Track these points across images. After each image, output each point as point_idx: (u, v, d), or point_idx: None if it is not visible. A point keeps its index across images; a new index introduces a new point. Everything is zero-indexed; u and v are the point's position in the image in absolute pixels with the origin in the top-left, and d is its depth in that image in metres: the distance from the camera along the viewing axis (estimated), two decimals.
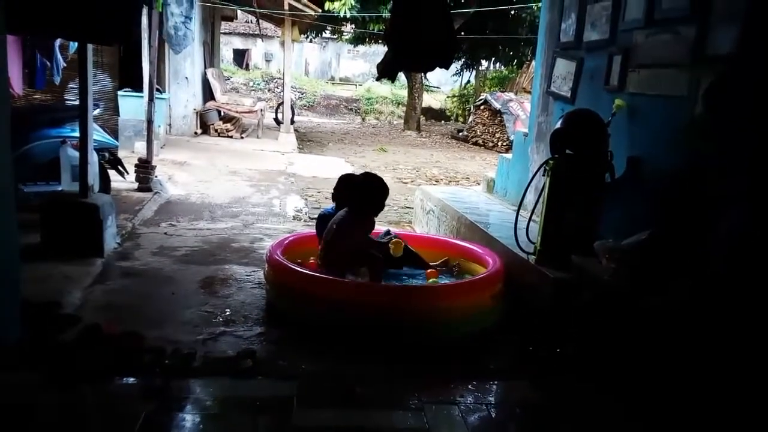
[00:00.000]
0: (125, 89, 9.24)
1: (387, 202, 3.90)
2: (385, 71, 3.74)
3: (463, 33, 16.09)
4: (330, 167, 9.91)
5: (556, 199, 3.39)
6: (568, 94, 4.42)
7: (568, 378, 2.94)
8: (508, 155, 5.84)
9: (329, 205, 4.13)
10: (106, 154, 5.54)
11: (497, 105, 14.27)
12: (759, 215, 2.63)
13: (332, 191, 4.04)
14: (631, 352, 2.66)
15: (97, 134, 5.19)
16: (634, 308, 2.65)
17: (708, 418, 2.38)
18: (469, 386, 2.84)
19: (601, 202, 3.37)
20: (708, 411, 2.39)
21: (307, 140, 13.97)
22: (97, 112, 5.60)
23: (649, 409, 2.57)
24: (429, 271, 3.86)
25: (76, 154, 4.49)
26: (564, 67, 4.55)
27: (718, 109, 2.94)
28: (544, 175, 3.49)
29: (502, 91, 16.32)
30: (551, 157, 3.45)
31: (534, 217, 3.75)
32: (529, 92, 8.88)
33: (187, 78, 11.64)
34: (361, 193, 3.70)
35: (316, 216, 6.15)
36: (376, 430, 2.44)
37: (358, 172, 4.20)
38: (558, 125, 3.48)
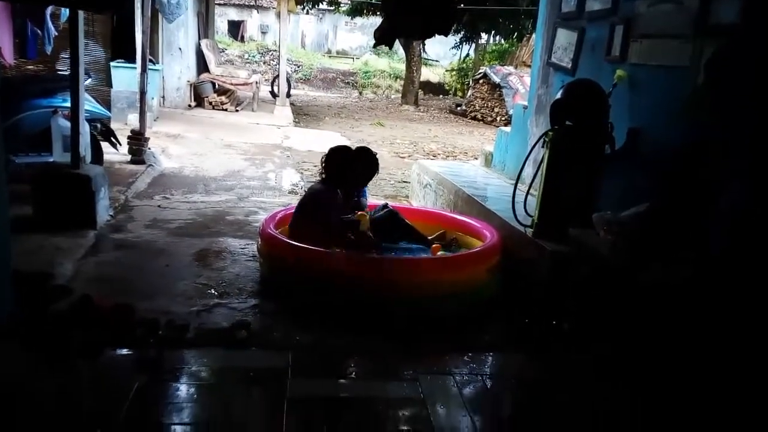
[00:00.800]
0: (118, 60, 9.07)
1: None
2: (383, 38, 3.65)
3: (462, 4, 15.82)
4: (326, 141, 9.77)
5: (554, 171, 3.34)
6: (569, 66, 4.34)
7: (564, 351, 2.94)
8: (507, 128, 5.78)
9: None
10: (98, 125, 5.46)
11: (496, 79, 14.09)
12: (760, 191, 2.59)
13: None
14: (629, 325, 2.65)
15: (89, 104, 5.10)
16: (632, 281, 2.62)
17: (706, 393, 2.37)
18: (465, 358, 2.83)
19: (600, 173, 3.33)
20: (707, 385, 2.38)
21: (303, 114, 13.83)
22: (88, 82, 5.49)
23: (647, 382, 2.56)
24: (434, 246, 3.81)
25: (68, 124, 4.41)
26: (565, 38, 4.46)
27: (719, 81, 2.88)
28: (543, 147, 3.44)
29: (502, 65, 16.11)
30: (551, 129, 3.40)
31: (532, 190, 3.71)
32: (529, 66, 8.76)
33: (180, 49, 11.44)
34: (328, 166, 3.67)
35: None
36: (371, 400, 2.43)
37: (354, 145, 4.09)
38: (558, 96, 3.42)
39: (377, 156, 3.81)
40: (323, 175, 3.74)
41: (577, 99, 3.34)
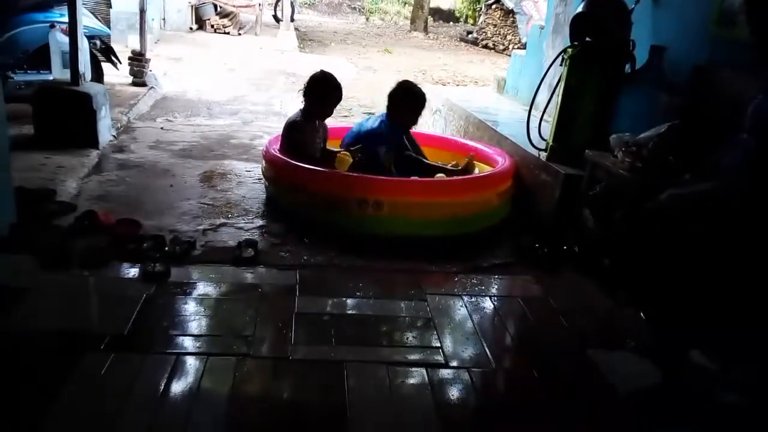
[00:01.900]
0: None
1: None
2: None
3: None
4: (332, 68, 9.49)
5: (572, 90, 3.20)
6: None
7: (574, 272, 2.91)
8: (522, 52, 5.55)
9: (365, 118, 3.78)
10: (98, 42, 5.26)
11: (510, 4, 13.52)
12: None
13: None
14: (643, 244, 2.59)
15: (88, 20, 4.91)
16: (648, 200, 2.54)
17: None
18: (473, 280, 2.81)
19: (619, 93, 3.18)
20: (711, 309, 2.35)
21: (308, 39, 13.38)
22: None
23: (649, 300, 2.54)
24: (438, 176, 3.66)
25: (66, 39, 4.23)
26: None
27: None
28: (561, 65, 3.28)
29: None
30: (570, 45, 3.23)
31: (546, 117, 3.57)
32: None
33: None
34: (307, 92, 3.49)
35: None
36: (380, 318, 2.43)
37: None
38: (580, 9, 3.22)
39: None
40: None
41: (599, 12, 3.14)
